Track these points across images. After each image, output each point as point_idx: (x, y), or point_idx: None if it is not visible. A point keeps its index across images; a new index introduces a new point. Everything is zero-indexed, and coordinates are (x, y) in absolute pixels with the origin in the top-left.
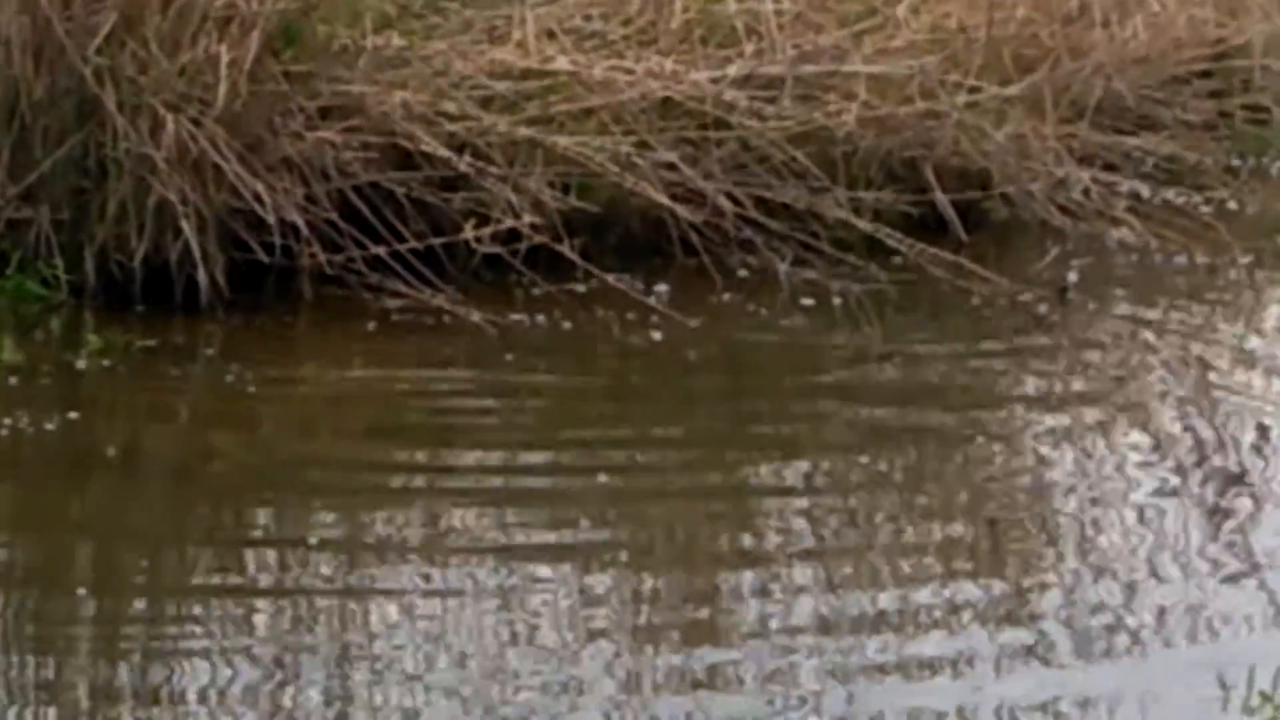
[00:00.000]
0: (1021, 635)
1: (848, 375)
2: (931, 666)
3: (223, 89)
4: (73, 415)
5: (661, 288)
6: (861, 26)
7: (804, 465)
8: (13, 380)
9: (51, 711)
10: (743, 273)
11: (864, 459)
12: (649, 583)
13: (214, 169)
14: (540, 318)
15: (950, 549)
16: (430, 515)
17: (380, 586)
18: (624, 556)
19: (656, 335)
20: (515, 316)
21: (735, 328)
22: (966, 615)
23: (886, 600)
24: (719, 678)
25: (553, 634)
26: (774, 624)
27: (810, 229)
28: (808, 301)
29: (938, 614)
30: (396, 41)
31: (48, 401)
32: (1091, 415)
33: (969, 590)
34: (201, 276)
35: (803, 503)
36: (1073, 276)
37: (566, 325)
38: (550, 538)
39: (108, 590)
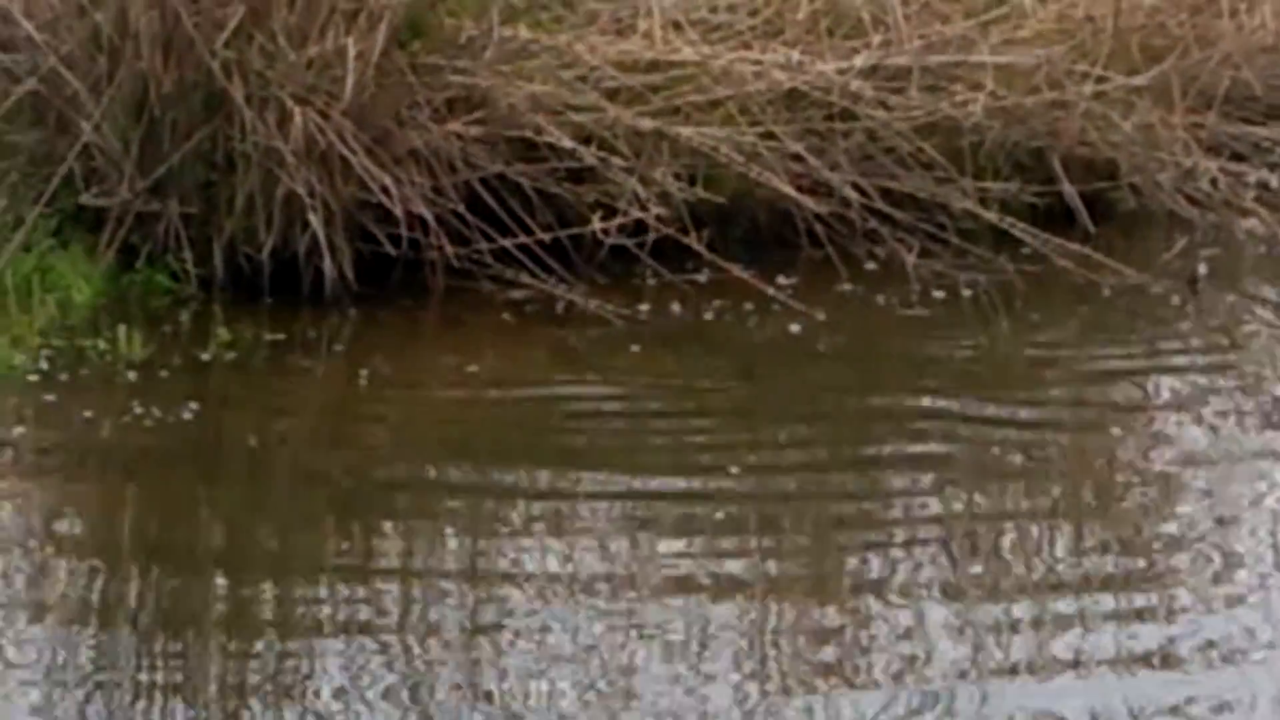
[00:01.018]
0: (1152, 637)
1: (977, 368)
2: (1062, 668)
3: (350, 81)
4: (201, 407)
5: (787, 279)
6: (988, 16)
7: (934, 462)
8: (143, 373)
9: (180, 700)
10: (869, 264)
11: (995, 452)
12: (777, 575)
13: (341, 161)
14: (666, 309)
15: (1082, 548)
16: (557, 501)
17: (508, 571)
18: (754, 546)
19: (782, 327)
20: (641, 308)
21: (862, 319)
22: (1098, 616)
23: (1019, 601)
24: (852, 676)
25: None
26: (904, 624)
27: (937, 220)
28: (937, 294)
29: (1070, 614)
30: (524, 33)
31: (176, 394)
32: (1228, 410)
33: (1101, 591)
34: (329, 269)
35: (933, 502)
36: (1202, 267)
37: (692, 317)
38: (680, 512)
39: (236, 577)
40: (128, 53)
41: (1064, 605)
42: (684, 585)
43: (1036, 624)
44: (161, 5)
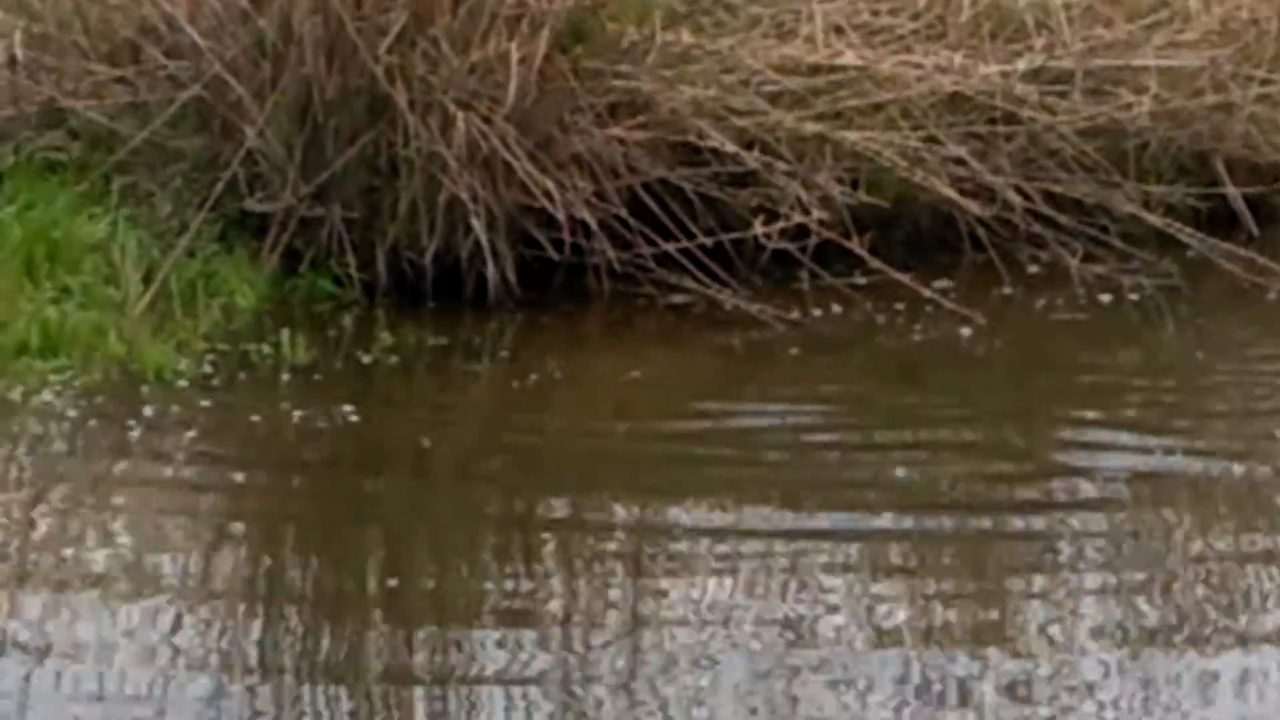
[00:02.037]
0: None
1: (1144, 372)
2: (1223, 681)
3: (513, 87)
4: (364, 411)
5: (948, 283)
6: (1152, 19)
7: (1102, 471)
8: (306, 378)
9: (345, 691)
10: (1032, 268)
11: (1162, 471)
12: (934, 587)
13: (504, 166)
14: (827, 313)
15: (1242, 558)
16: (723, 504)
17: (671, 568)
18: (913, 551)
19: (943, 331)
20: (801, 312)
21: (1024, 323)
22: (1261, 630)
23: (1181, 611)
24: (1010, 683)
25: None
26: (1064, 631)
27: (1100, 223)
28: (1103, 298)
29: (1230, 626)
30: (685, 38)
31: (339, 398)
32: None
33: (1267, 606)
34: (491, 274)
35: (1098, 513)
36: None
37: (853, 321)
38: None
39: (397, 573)
40: (291, 58)
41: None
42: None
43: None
44: (325, 11)
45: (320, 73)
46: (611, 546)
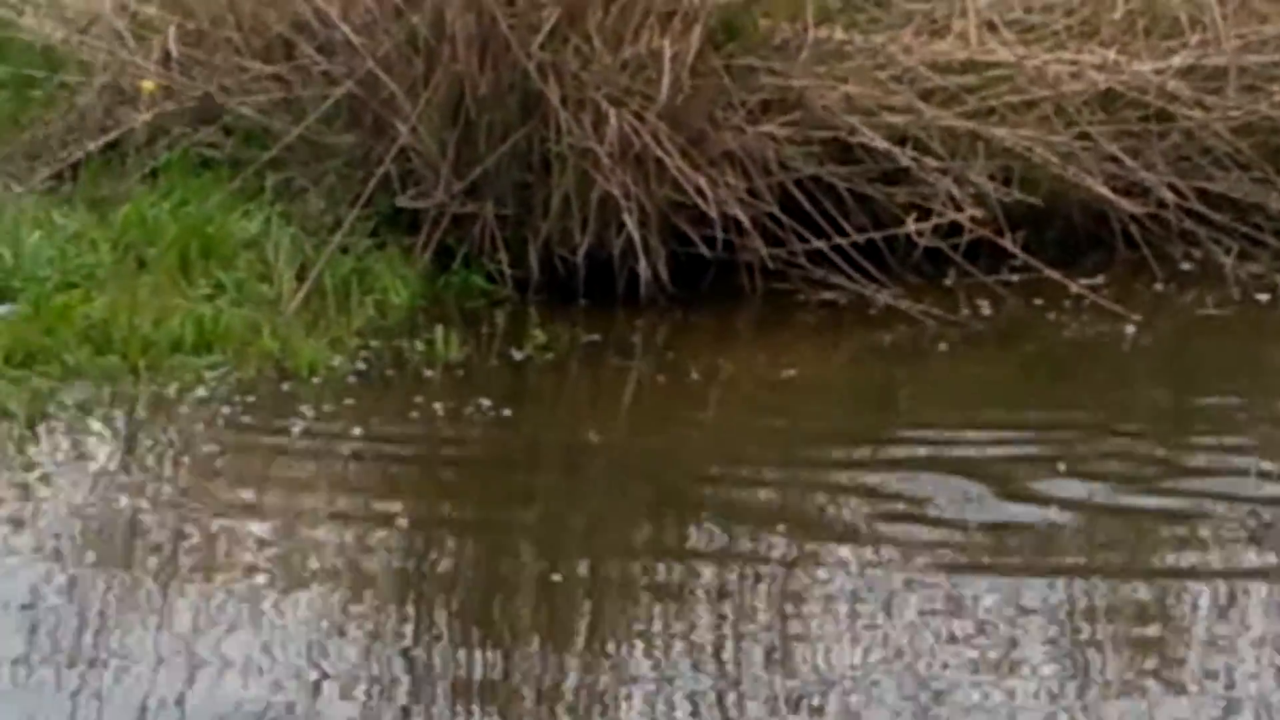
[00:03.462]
0: None
1: None
2: None
3: (665, 83)
4: (518, 407)
5: (1101, 280)
6: None
7: (1259, 470)
8: (460, 374)
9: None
10: (1185, 266)
11: None
12: (1096, 592)
13: (656, 163)
14: (977, 310)
15: None
16: (870, 494)
17: (821, 563)
18: (1066, 559)
19: (1096, 328)
20: (952, 309)
21: (1177, 321)
22: None
23: None
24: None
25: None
26: (1220, 632)
27: (1254, 221)
28: (1260, 296)
29: None
30: (838, 34)
31: (493, 394)
32: None
33: None
34: (643, 270)
35: (1257, 510)
36: None
37: (1005, 318)
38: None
39: (554, 564)
40: (444, 55)
41: None
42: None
43: None
44: (478, 7)
45: (473, 69)
46: (766, 543)
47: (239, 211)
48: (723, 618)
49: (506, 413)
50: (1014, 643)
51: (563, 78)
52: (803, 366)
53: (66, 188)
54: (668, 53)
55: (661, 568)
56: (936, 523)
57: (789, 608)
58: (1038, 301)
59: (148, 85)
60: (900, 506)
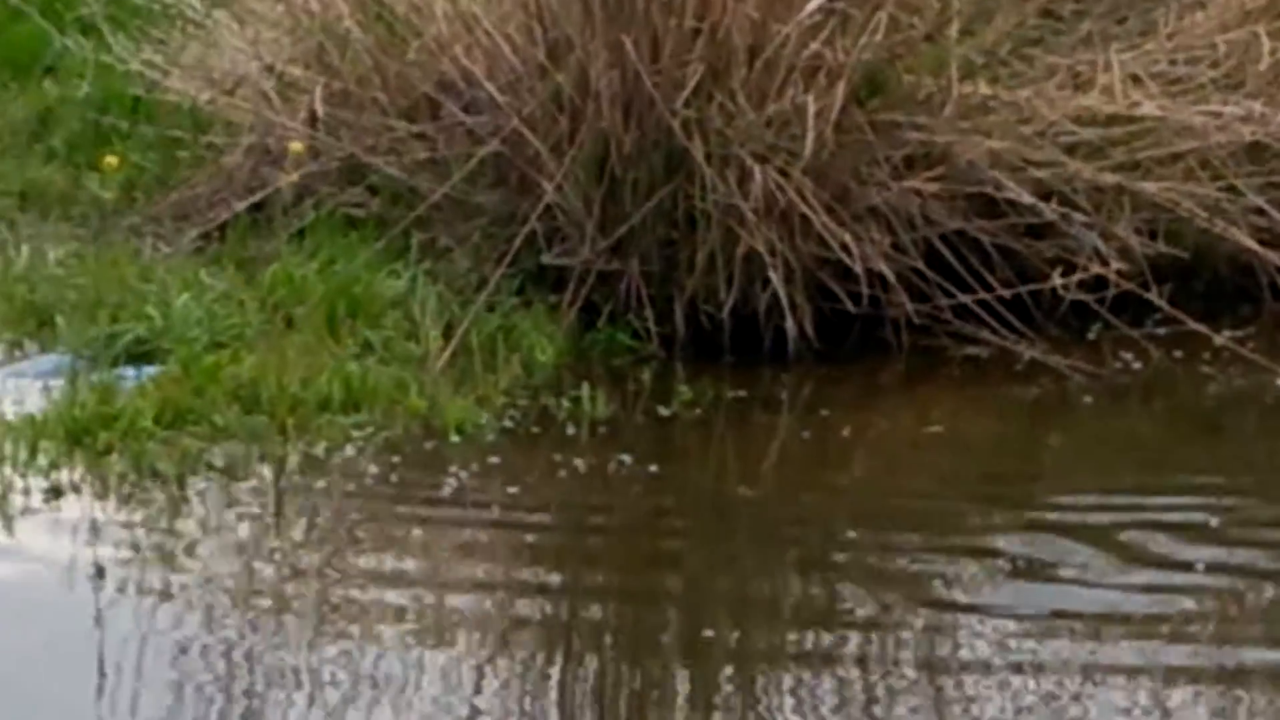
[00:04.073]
0: None
1: None
2: None
3: (810, 139)
4: (665, 465)
5: (1249, 333)
6: None
7: None
8: (607, 431)
9: None
10: None
11: None
12: (1245, 658)
13: (801, 219)
14: (1123, 364)
15: None
16: (1014, 558)
17: (964, 629)
18: (1216, 625)
19: (1244, 383)
20: (1098, 363)
21: None
22: None
23: None
24: None
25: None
26: None
27: None
28: None
29: None
30: (982, 89)
31: (640, 451)
32: None
33: None
34: (790, 327)
35: None
36: None
37: (1150, 372)
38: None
39: (699, 623)
40: (589, 113)
41: None
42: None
43: None
44: (622, 65)
45: (618, 126)
46: (909, 608)
47: (385, 270)
48: (869, 684)
49: (654, 470)
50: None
51: (707, 135)
52: (948, 422)
53: (214, 248)
54: (812, 109)
55: (808, 634)
56: (1085, 585)
57: (933, 675)
58: (1183, 355)
59: (294, 146)
60: (1047, 570)
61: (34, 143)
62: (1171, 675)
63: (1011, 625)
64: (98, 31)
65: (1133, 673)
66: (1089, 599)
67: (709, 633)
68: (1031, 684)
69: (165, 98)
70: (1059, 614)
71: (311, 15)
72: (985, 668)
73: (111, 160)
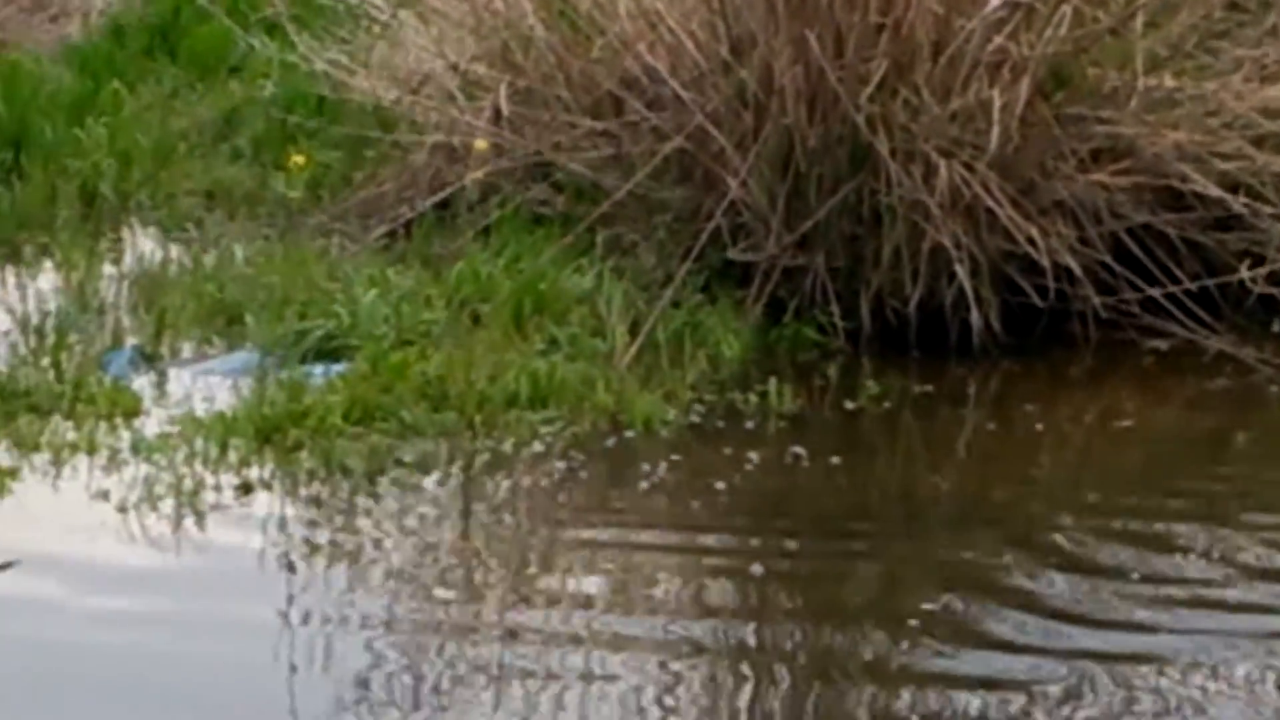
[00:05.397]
0: None
1: None
2: None
3: (995, 133)
4: (853, 459)
5: None
6: None
7: None
8: (794, 425)
9: None
10: None
11: None
12: None
13: (987, 213)
14: None
15: None
16: (1212, 556)
17: (1167, 629)
18: None
19: None
20: None
21: None
22: None
23: None
24: None
25: None
26: None
27: None
28: None
29: None
30: (1168, 82)
31: (828, 446)
32: None
33: None
34: (975, 320)
35: None
36: None
37: None
38: None
39: (890, 628)
40: (773, 109)
41: None
42: None
43: None
44: (807, 61)
45: (802, 122)
46: (1109, 603)
47: (571, 267)
48: (1077, 672)
49: (841, 464)
50: None
51: (892, 130)
52: (1136, 416)
53: (400, 246)
54: (997, 103)
55: (1007, 618)
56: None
57: (1140, 668)
58: None
59: (480, 144)
60: (1251, 564)
61: (220, 142)
62: None
63: (1216, 619)
64: (282, 31)
65: None
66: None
67: (903, 624)
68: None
69: (350, 97)
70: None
71: (496, 14)
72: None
73: (299, 159)
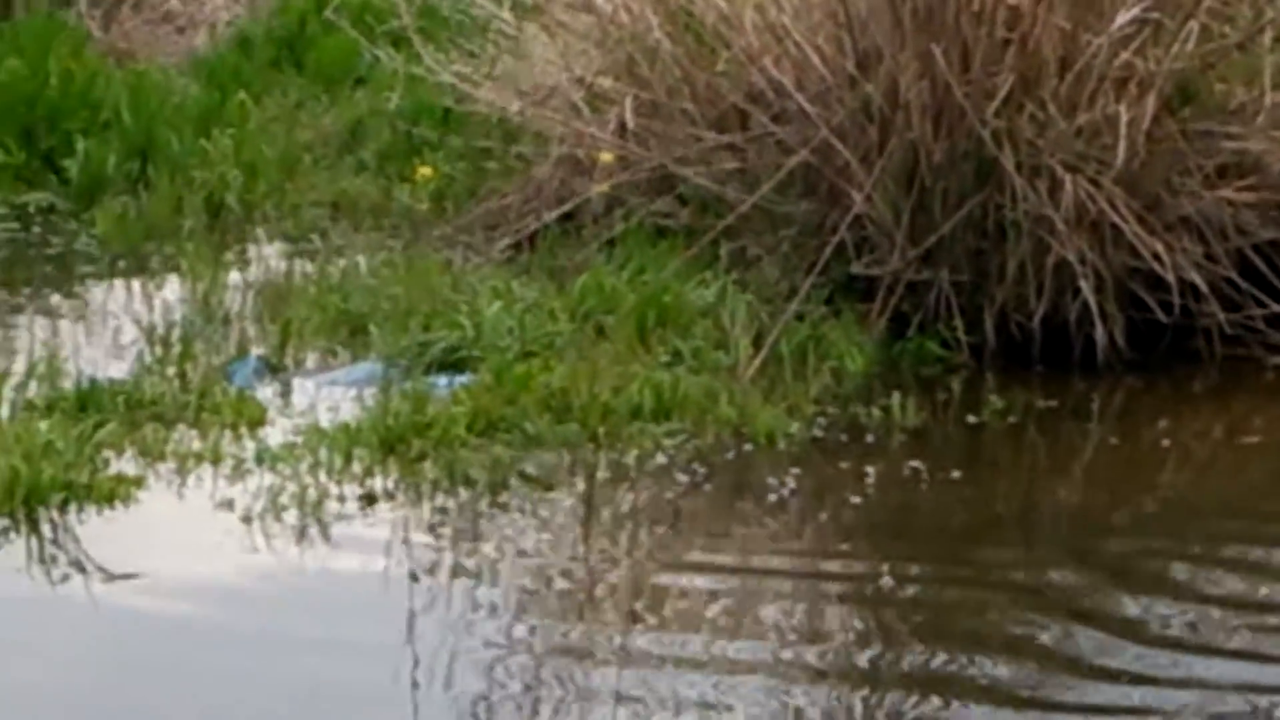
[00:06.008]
0: None
1: None
2: None
3: (1121, 149)
4: (976, 474)
5: None
6: None
7: None
8: (917, 439)
9: None
10: None
11: None
12: None
13: (1112, 229)
14: None
15: None
16: None
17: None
18: None
19: None
20: None
21: None
22: None
23: None
24: None
25: None
26: None
27: None
28: None
29: None
30: None
31: (951, 460)
32: None
33: None
34: (1100, 336)
35: None
36: None
37: None
38: None
39: (1011, 651)
40: (898, 123)
41: None
42: None
43: None
44: (932, 75)
45: (927, 137)
46: (1227, 626)
47: (695, 280)
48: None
49: (965, 479)
50: None
51: (1018, 145)
52: (1262, 433)
53: (524, 258)
54: (1124, 118)
55: (1113, 647)
56: None
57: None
58: None
59: (604, 156)
60: None
61: (345, 154)
62: None
63: None
64: (408, 43)
65: None
66: None
67: (1020, 647)
68: None
69: (475, 109)
70: None
71: (621, 27)
72: None
73: (426, 171)
